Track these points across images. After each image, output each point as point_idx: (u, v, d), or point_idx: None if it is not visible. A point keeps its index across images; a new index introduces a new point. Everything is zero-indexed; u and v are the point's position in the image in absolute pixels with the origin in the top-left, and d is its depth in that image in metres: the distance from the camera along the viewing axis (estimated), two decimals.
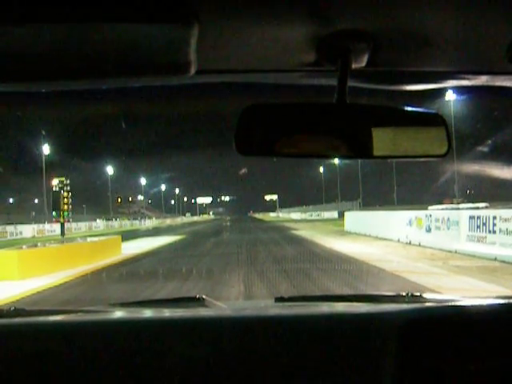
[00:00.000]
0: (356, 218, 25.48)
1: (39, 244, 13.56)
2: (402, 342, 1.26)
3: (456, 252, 12.88)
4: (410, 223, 17.03)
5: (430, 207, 20.37)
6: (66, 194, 19.11)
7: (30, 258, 10.73)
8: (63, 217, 18.77)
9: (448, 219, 14.28)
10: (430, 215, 15.78)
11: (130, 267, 12.08)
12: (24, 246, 12.56)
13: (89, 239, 16.00)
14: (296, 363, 1.24)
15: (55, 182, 19.23)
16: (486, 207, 18.48)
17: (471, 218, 12.96)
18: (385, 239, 18.03)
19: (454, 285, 8.05)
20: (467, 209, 16.26)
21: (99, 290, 8.85)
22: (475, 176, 42.74)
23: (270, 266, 10.98)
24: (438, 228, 14.92)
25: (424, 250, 14.05)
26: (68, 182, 19.51)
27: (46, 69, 0.96)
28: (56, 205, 18.71)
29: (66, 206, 18.88)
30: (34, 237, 31.84)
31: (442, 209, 18.89)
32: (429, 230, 15.54)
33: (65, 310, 1.66)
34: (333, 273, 9.64)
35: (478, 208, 16.66)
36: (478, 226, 12.47)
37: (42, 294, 8.49)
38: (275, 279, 9.01)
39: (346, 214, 27.87)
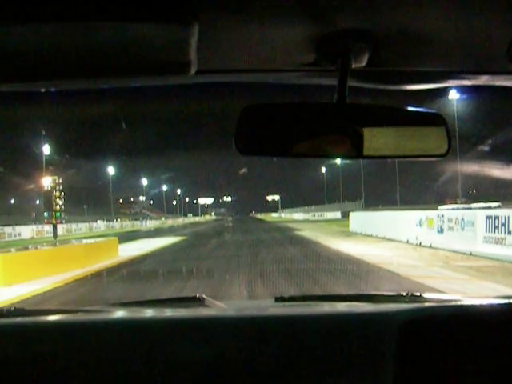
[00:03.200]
0: (361, 219, 24.82)
1: (30, 247, 12.84)
2: (402, 341, 1.26)
3: (471, 254, 12.15)
4: (420, 224, 16.29)
5: (440, 207, 19.69)
6: (58, 193, 18.28)
7: (17, 262, 9.96)
8: (55, 218, 17.94)
9: (462, 219, 13.50)
10: (443, 215, 14.99)
11: (126, 271, 11.39)
12: (12, 249, 11.81)
13: (84, 241, 15.29)
14: (296, 363, 1.24)
15: (47, 180, 18.36)
16: (499, 206, 17.78)
17: (488, 217, 12.18)
18: (393, 240, 17.34)
19: (480, 291, 7.31)
20: (483, 208, 15.46)
21: (90, 297, 8.16)
22: (475, 176, 42.52)
23: (274, 270, 10.27)
24: (451, 229, 14.14)
25: (437, 252, 13.31)
26: (61, 180, 18.65)
27: (45, 68, 0.94)
28: (48, 205, 17.87)
29: (58, 207, 18.06)
30: (32, 238, 31.47)
31: (453, 209, 18.12)
32: (441, 230, 14.78)
33: (65, 310, 1.63)
34: (342, 277, 8.92)
35: (490, 207, 15.94)
36: (496, 227, 11.69)
37: (25, 302, 7.78)
38: (281, 284, 8.39)
39: (351, 214, 27.23)
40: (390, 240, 17.56)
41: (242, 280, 9.01)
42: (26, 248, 12.46)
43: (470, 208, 17.24)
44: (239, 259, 12.85)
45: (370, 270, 9.80)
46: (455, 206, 21.63)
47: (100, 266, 12.07)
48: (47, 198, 17.23)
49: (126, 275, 10.70)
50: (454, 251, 12.90)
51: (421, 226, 16.28)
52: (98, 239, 16.71)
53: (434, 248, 14.27)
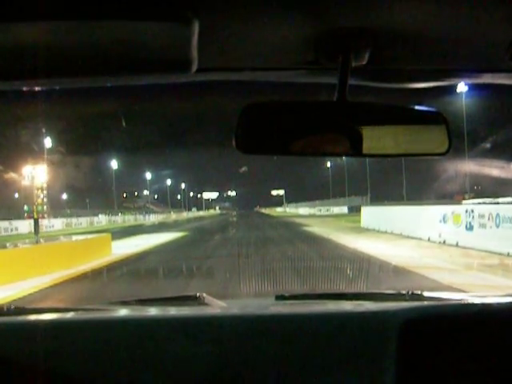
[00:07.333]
0: (375, 214, 23.36)
1: (8, 244, 11.43)
2: (402, 340, 1.26)
3: (509, 255, 10.67)
4: (445, 220, 14.80)
5: (464, 201, 18.19)
6: (39, 184, 16.77)
7: None
8: (37, 211, 16.47)
9: (497, 215, 11.96)
10: (472, 210, 13.46)
11: (116, 274, 10.02)
12: None
13: (73, 238, 13.90)
14: (297, 361, 1.25)
15: (27, 170, 16.85)
16: None
17: None
18: (412, 238, 15.89)
19: None
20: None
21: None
22: (476, 173, 42.19)
23: (286, 274, 8.83)
24: (482, 226, 12.63)
25: (467, 252, 11.82)
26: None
27: (47, 67, 0.94)
28: (28, 198, 16.39)
29: (39, 199, 16.55)
30: (30, 232, 30.20)
31: (479, 203, 16.57)
32: (470, 228, 13.27)
33: (65, 309, 1.65)
34: (371, 286, 7.47)
35: None
36: None
37: None
38: (294, 292, 6.96)
39: (363, 208, 25.81)
40: (409, 237, 16.11)
41: (250, 286, 7.63)
42: (4, 246, 11.05)
43: (498, 203, 15.69)
44: (247, 259, 11.40)
45: (401, 276, 8.36)
46: (480, 200, 20.02)
47: (88, 266, 10.61)
48: (26, 190, 15.88)
49: (114, 279, 9.34)
50: (487, 251, 11.41)
51: (445, 222, 14.78)
52: (89, 236, 15.31)
53: (461, 247, 12.80)
